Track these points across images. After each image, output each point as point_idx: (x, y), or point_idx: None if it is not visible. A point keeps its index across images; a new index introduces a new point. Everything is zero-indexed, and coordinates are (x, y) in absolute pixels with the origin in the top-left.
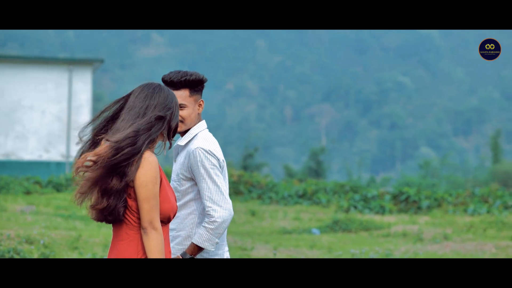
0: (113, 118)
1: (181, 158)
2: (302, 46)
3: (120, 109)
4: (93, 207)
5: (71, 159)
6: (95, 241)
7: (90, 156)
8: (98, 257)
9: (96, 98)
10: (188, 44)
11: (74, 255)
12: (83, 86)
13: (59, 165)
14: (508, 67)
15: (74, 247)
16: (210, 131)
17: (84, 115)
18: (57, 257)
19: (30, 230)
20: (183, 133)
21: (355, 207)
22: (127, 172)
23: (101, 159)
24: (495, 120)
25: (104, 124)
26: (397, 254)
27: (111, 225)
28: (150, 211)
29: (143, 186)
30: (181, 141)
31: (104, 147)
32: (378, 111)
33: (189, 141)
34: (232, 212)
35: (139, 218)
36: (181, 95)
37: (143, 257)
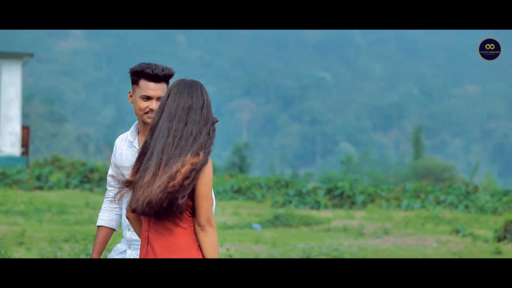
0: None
1: None
2: (221, 42)
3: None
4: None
5: (1, 153)
6: (40, 236)
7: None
8: (46, 252)
9: (26, 92)
10: (107, 37)
11: (22, 251)
12: (12, 80)
13: None
14: (426, 63)
15: (19, 243)
16: (129, 125)
17: (14, 109)
18: (8, 252)
19: None
20: None
21: (290, 202)
22: None
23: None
24: (414, 116)
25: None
26: (344, 249)
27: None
28: (208, 209)
29: (204, 184)
30: None
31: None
32: (298, 107)
33: None
34: None
35: (192, 214)
36: (161, 88)
37: (198, 251)
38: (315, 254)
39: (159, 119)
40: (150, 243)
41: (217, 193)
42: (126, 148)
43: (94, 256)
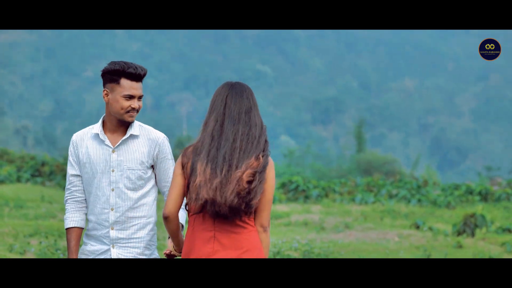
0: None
1: (139, 147)
2: (160, 34)
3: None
4: (225, 202)
5: None
6: (5, 231)
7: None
8: (17, 248)
9: None
10: (44, 30)
11: None
12: None
13: None
14: (365, 57)
15: None
16: (68, 118)
17: None
18: None
19: None
20: (129, 123)
21: None
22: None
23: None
24: (353, 110)
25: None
26: (314, 245)
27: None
28: (270, 212)
29: (270, 186)
30: (134, 130)
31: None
32: None
33: (139, 130)
34: None
35: (253, 216)
36: (141, 87)
37: (262, 250)
38: (285, 249)
39: (222, 122)
40: (218, 240)
41: None
42: (95, 146)
43: (75, 256)
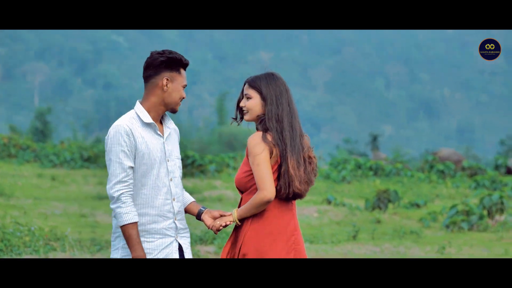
0: None
1: (176, 137)
2: None
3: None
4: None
5: None
6: None
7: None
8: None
9: None
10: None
11: None
12: None
13: None
14: (219, 30)
15: None
16: None
17: None
18: None
19: None
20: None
21: None
22: None
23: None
24: (208, 82)
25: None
26: None
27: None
28: None
29: None
30: (170, 121)
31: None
32: (92, 70)
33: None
34: None
35: None
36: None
37: None
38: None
39: (288, 113)
40: (296, 220)
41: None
42: (149, 135)
43: (142, 251)
